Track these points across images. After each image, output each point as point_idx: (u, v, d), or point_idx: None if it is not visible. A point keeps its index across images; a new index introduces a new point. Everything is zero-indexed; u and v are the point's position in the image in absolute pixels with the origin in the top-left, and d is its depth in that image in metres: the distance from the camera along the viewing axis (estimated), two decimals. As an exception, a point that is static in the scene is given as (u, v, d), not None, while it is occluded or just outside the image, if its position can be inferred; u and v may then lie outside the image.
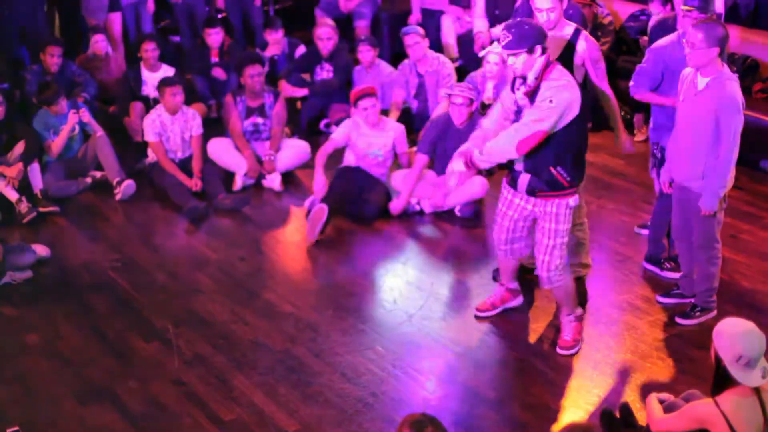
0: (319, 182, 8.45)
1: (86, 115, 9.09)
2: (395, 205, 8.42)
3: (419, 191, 8.49)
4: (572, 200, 6.12)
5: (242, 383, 6.17)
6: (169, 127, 8.99)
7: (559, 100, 5.80)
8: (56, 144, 8.94)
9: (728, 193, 6.44)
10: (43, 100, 9.00)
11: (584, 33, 6.55)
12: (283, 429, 5.74)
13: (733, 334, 4.65)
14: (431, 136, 8.56)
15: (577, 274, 6.98)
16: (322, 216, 7.95)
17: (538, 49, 5.80)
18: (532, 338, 6.68)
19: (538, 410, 5.86)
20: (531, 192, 6.12)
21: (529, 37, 5.77)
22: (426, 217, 8.46)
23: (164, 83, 9.04)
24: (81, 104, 9.23)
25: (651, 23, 10.15)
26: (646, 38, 10.08)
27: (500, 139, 5.97)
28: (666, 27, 7.52)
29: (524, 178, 6.11)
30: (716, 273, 6.63)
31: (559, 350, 6.45)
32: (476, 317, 6.80)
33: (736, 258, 7.51)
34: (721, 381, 4.70)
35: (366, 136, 8.60)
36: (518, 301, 6.95)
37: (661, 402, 5.15)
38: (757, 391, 4.67)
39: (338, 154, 8.75)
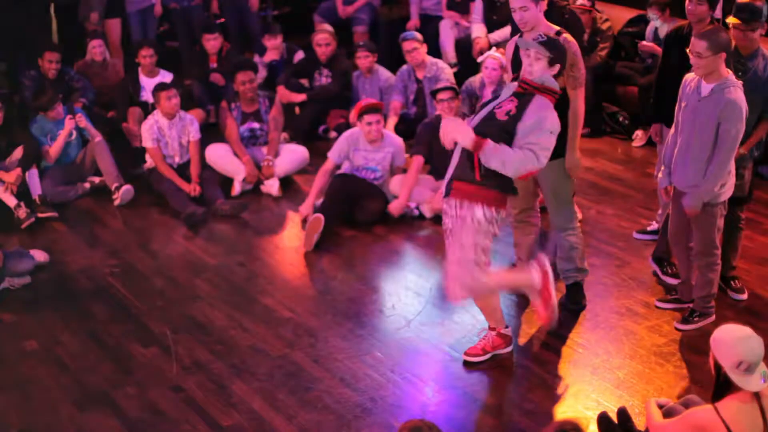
0: (308, 204, 8.45)
1: (83, 121, 9.09)
2: (394, 206, 8.42)
3: (418, 196, 8.49)
4: (485, 211, 5.86)
5: (241, 389, 6.16)
6: (166, 132, 8.99)
7: (554, 127, 5.84)
8: (53, 150, 8.94)
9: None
10: (40, 105, 9.00)
11: (564, 36, 6.41)
12: (281, 435, 5.76)
13: (731, 341, 4.65)
14: (425, 137, 8.59)
15: (573, 279, 6.99)
16: (319, 226, 7.96)
17: (557, 67, 5.87)
18: (531, 344, 6.68)
19: (536, 416, 5.85)
20: (447, 189, 6.00)
21: (561, 51, 5.88)
22: (425, 222, 8.46)
23: (158, 89, 9.04)
24: (78, 110, 9.23)
25: (649, 29, 10.18)
26: (644, 42, 10.11)
27: (515, 156, 5.74)
28: (681, 36, 7.41)
29: (448, 174, 6.03)
30: (715, 279, 6.63)
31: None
32: (465, 363, 6.39)
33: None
34: (721, 387, 4.70)
35: (364, 152, 8.60)
36: (509, 348, 6.45)
37: (660, 407, 5.15)
38: (756, 396, 4.67)
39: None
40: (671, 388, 6.07)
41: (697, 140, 6.24)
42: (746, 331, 4.70)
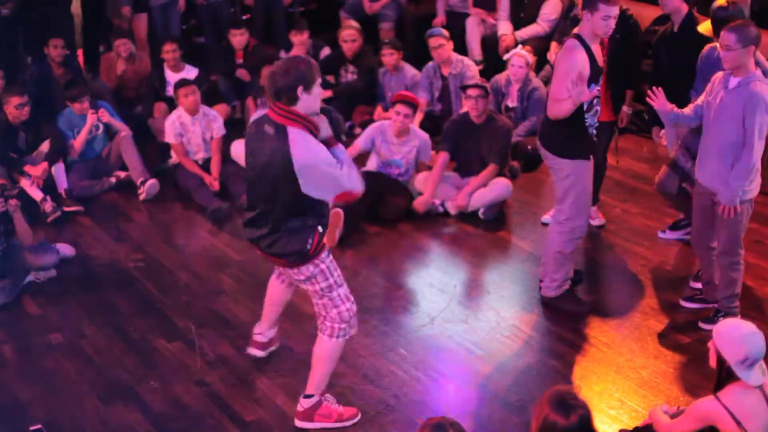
0: None
1: (105, 115, 9.10)
2: (419, 203, 8.42)
3: (443, 193, 8.48)
4: None
5: (264, 384, 6.18)
6: (189, 128, 9.01)
7: None
8: (77, 143, 8.96)
9: (755, 198, 6.41)
10: (70, 96, 9.02)
11: None
12: (304, 430, 5.76)
13: (737, 337, 4.71)
14: (451, 134, 8.58)
15: None
16: (338, 221, 7.93)
17: None
18: (555, 342, 6.66)
19: (560, 414, 5.83)
20: None
21: None
22: (450, 219, 8.46)
23: (177, 85, 9.07)
24: (102, 104, 9.23)
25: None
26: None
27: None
28: (667, 37, 7.55)
29: None
30: (738, 279, 6.57)
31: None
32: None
33: (760, 263, 7.46)
34: (723, 379, 4.76)
35: (390, 144, 8.59)
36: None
37: (671, 415, 5.15)
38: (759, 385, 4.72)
39: (362, 158, 8.74)
40: (695, 387, 6.03)
41: (722, 135, 6.21)
42: (751, 326, 4.79)
